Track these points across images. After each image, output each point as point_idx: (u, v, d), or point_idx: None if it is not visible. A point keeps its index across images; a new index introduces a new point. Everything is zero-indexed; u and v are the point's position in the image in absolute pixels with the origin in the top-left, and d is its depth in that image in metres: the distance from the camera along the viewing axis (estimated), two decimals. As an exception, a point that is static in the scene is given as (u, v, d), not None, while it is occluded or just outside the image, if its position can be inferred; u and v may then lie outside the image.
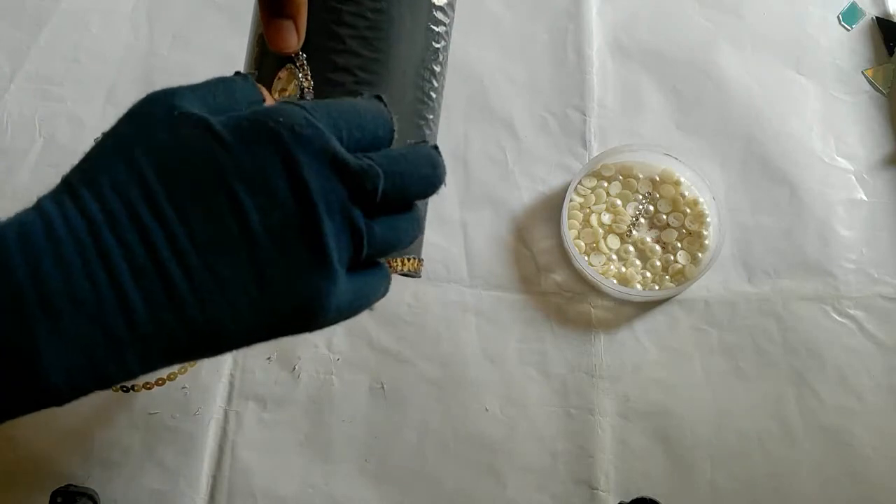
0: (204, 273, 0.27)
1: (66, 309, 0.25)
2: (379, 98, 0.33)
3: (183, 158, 0.28)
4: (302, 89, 0.37)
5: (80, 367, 0.26)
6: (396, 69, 0.38)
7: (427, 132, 0.41)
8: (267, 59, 0.38)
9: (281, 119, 0.28)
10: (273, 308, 0.28)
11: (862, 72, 0.68)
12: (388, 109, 0.33)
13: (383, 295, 0.34)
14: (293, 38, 0.36)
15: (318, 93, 0.37)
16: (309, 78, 0.37)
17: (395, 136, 0.33)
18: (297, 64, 0.37)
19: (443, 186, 0.33)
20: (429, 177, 0.32)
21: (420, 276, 0.42)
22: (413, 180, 0.32)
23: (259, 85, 0.33)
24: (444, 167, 0.33)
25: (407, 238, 0.33)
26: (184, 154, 0.28)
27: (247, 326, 0.28)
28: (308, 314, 0.29)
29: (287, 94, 0.37)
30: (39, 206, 0.27)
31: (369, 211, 0.30)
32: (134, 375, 0.27)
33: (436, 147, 0.33)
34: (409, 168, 0.31)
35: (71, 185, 0.27)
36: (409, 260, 0.40)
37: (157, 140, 0.28)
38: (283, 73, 0.37)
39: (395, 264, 0.39)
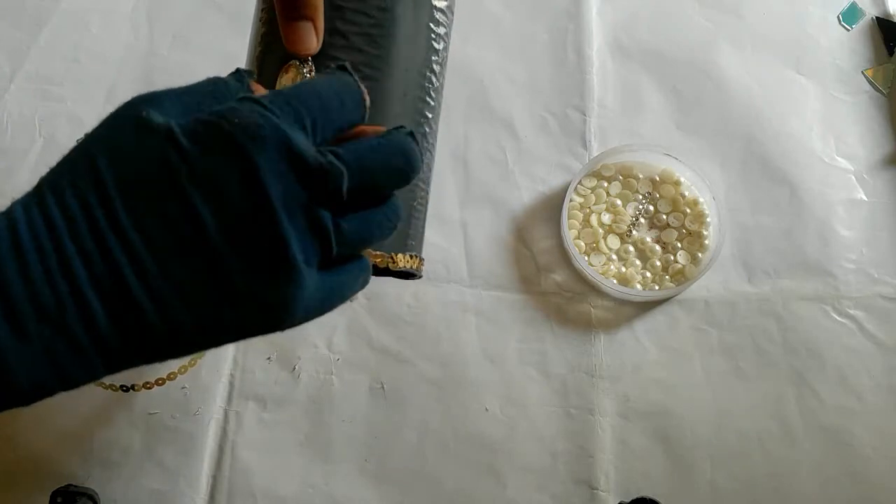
0: (161, 280, 0.27)
1: (28, 314, 0.25)
2: (343, 68, 0.31)
3: (140, 165, 0.27)
4: None
5: (43, 370, 0.26)
6: (399, 67, 0.38)
7: (427, 130, 0.41)
8: (269, 56, 0.38)
9: (236, 120, 0.28)
10: (237, 314, 0.28)
11: (862, 72, 0.68)
12: (355, 79, 0.31)
13: (361, 288, 0.34)
14: (312, 40, 0.36)
15: None
16: (313, 75, 0.37)
17: (368, 104, 0.32)
18: (301, 61, 0.37)
19: (416, 174, 0.32)
20: (400, 169, 0.31)
21: (421, 276, 0.42)
22: (383, 174, 0.31)
23: (256, 84, 0.33)
24: (418, 155, 0.32)
25: (382, 231, 0.32)
26: (141, 160, 0.28)
27: (210, 331, 0.28)
28: (274, 318, 0.29)
29: None
30: (10, 212, 0.27)
31: (337, 208, 0.30)
32: (98, 377, 0.28)
33: (411, 133, 0.32)
34: (378, 162, 0.30)
35: (40, 189, 0.27)
36: (411, 257, 0.40)
37: (120, 146, 0.28)
38: (286, 71, 0.37)
39: (398, 259, 0.39)
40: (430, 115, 0.41)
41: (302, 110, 0.29)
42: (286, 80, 0.37)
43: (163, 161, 0.27)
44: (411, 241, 0.41)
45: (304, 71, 0.37)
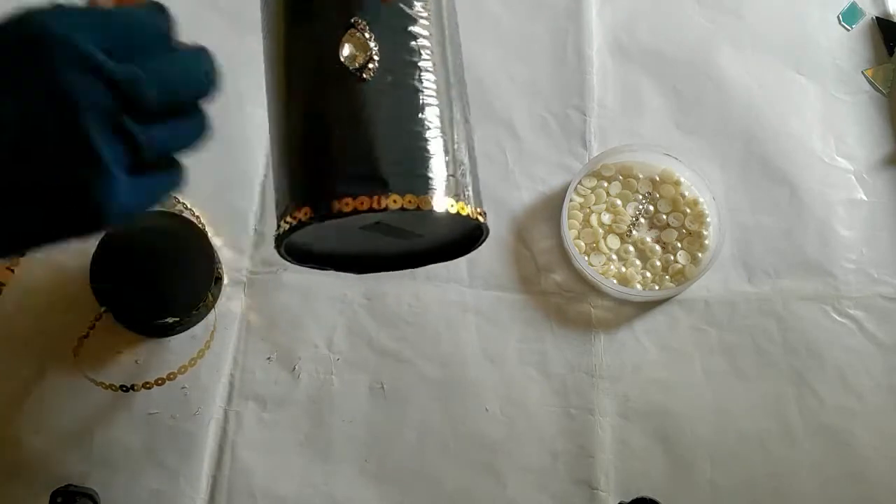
0: None
1: None
2: (161, 9, 0.34)
3: None
4: (369, 54, 0.36)
5: None
6: (446, 9, 0.40)
7: (466, 95, 0.42)
8: (301, 29, 0.38)
9: (44, 28, 0.29)
10: (52, 211, 0.30)
11: (862, 72, 0.68)
12: (167, 18, 0.34)
13: (173, 190, 0.35)
14: None
15: (386, 52, 0.37)
16: (369, 37, 0.37)
17: (176, 35, 0.34)
18: (359, 27, 0.37)
19: (215, 89, 0.34)
20: (200, 81, 0.34)
21: (487, 232, 0.41)
22: (182, 84, 0.33)
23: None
24: (215, 69, 0.34)
25: (189, 139, 0.34)
26: None
27: (23, 228, 0.30)
28: (90, 217, 0.31)
29: (356, 61, 0.36)
30: None
31: (144, 117, 0.31)
32: None
33: (205, 50, 0.34)
34: (176, 73, 0.33)
35: None
36: (476, 209, 0.39)
37: None
38: (346, 39, 0.37)
39: (472, 212, 0.38)
40: (464, 79, 0.42)
41: (109, 30, 0.31)
42: (348, 48, 0.37)
43: None
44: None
45: (367, 38, 0.36)
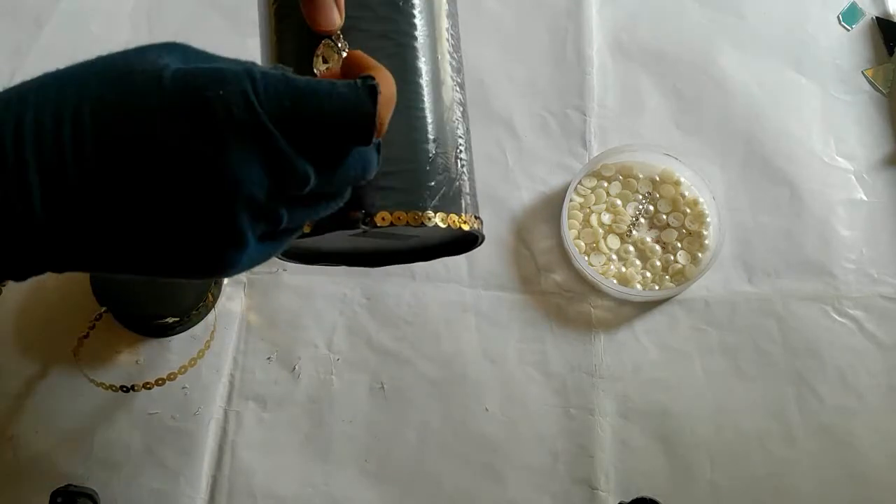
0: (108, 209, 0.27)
1: None
2: (371, 88, 0.29)
3: (122, 103, 0.28)
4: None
5: None
6: (428, 33, 0.38)
7: (460, 95, 0.41)
8: (286, 45, 0.38)
9: (221, 92, 0.27)
10: (176, 262, 0.29)
11: (862, 72, 0.68)
12: (370, 106, 0.29)
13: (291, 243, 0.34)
14: (335, 16, 0.36)
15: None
16: (347, 52, 0.36)
17: (377, 130, 0.30)
18: (332, 38, 0.36)
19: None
20: (361, 178, 0.32)
21: (482, 238, 0.40)
22: (344, 181, 0.31)
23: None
24: (375, 164, 0.31)
25: (322, 216, 0.32)
26: (126, 98, 0.28)
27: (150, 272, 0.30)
28: (212, 272, 0.30)
29: (332, 71, 0.36)
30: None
31: (295, 201, 0.30)
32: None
33: (378, 144, 0.31)
34: (345, 172, 0.30)
35: (24, 102, 0.29)
36: (467, 218, 0.38)
37: (107, 100, 0.29)
38: (319, 52, 0.36)
39: (457, 221, 0.37)
40: (460, 80, 0.41)
41: (287, 103, 0.28)
42: (321, 62, 0.36)
43: (142, 105, 0.27)
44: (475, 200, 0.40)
45: (339, 47, 0.36)
